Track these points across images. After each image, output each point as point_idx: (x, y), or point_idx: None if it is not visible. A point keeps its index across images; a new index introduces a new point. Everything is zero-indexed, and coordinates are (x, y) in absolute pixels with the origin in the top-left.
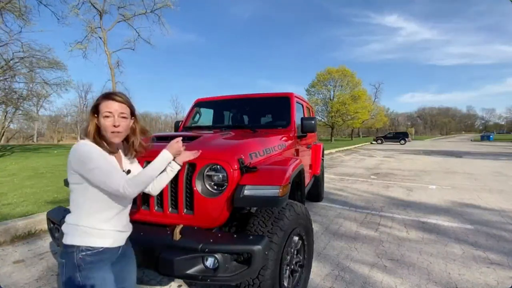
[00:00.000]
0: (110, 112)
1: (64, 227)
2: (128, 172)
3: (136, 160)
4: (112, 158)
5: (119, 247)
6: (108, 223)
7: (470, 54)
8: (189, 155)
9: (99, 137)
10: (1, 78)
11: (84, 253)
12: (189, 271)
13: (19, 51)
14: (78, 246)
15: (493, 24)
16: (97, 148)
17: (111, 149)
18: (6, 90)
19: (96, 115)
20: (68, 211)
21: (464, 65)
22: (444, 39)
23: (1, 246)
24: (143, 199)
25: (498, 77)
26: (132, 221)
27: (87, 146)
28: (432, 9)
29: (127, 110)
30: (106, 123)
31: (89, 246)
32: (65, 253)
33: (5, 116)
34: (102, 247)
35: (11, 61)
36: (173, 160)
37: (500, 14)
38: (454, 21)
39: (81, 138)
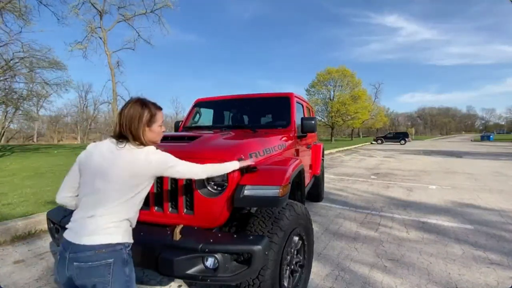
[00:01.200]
0: (162, 122)
1: (104, 228)
2: None
3: None
4: None
5: None
6: (134, 222)
7: (470, 54)
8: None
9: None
10: (1, 78)
11: (128, 249)
12: (189, 271)
13: (19, 51)
14: (123, 243)
15: (493, 24)
16: None
17: None
18: (6, 90)
19: (149, 125)
20: (69, 211)
21: (464, 65)
22: (444, 39)
23: (1, 246)
24: None
25: (498, 77)
26: None
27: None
28: (432, 9)
29: None
30: (161, 131)
31: (129, 242)
32: (113, 251)
33: (5, 116)
34: (131, 243)
35: (11, 61)
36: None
37: (500, 14)
38: (454, 21)
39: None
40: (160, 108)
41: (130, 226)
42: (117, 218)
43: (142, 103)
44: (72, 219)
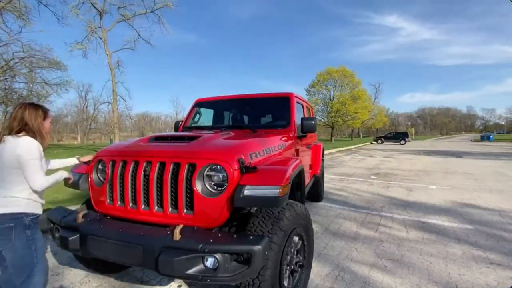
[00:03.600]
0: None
1: (11, 200)
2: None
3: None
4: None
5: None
6: (41, 197)
7: (470, 54)
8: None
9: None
10: (1, 78)
11: (32, 217)
12: (189, 271)
13: (19, 51)
14: (26, 213)
15: (493, 24)
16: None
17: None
18: (6, 90)
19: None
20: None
21: (464, 65)
22: (444, 39)
23: None
24: (143, 199)
25: (498, 77)
26: (133, 221)
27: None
28: (432, 9)
29: None
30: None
31: (34, 212)
32: (13, 218)
33: (5, 116)
34: (38, 214)
35: (11, 61)
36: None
37: (500, 14)
38: (454, 21)
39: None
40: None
41: (34, 200)
42: (11, 193)
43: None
44: None
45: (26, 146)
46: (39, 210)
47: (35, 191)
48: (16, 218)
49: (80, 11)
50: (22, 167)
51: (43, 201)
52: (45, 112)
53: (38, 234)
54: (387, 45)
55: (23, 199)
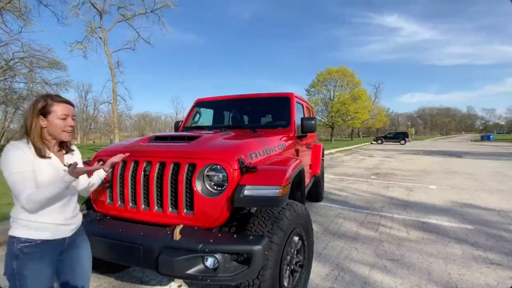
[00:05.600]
0: (66, 115)
1: (10, 220)
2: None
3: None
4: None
5: (64, 238)
6: (47, 217)
7: (470, 54)
8: (112, 161)
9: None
10: (1, 78)
11: (22, 244)
12: (189, 271)
13: (19, 51)
14: (19, 238)
15: (493, 24)
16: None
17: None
18: (6, 90)
19: (42, 116)
20: None
21: (464, 65)
22: (444, 39)
23: (1, 246)
24: (143, 199)
25: (498, 77)
26: (133, 221)
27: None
28: (432, 9)
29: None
30: (61, 124)
31: (28, 238)
32: (8, 243)
33: (5, 116)
34: (40, 240)
35: (11, 61)
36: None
37: (500, 14)
38: (454, 21)
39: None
40: (64, 100)
41: (37, 222)
42: (13, 212)
43: (42, 95)
44: None
45: (3, 156)
46: (41, 236)
47: (42, 212)
48: (9, 243)
49: (80, 11)
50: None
51: (61, 221)
52: (46, 103)
53: (32, 269)
54: (387, 45)
55: (19, 220)
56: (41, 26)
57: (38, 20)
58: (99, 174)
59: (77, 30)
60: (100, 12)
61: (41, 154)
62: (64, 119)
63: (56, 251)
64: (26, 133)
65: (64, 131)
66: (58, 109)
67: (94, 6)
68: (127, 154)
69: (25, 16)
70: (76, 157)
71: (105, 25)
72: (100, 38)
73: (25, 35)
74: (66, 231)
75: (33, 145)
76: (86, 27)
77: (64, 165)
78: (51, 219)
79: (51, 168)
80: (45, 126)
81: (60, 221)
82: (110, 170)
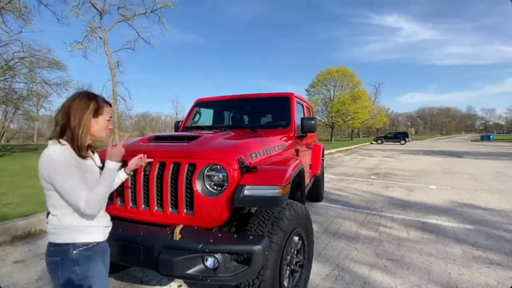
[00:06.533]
0: (110, 117)
1: (52, 228)
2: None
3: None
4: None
5: (105, 240)
6: (96, 221)
7: (470, 54)
8: (136, 163)
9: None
10: (1, 78)
11: (81, 249)
12: (189, 271)
13: (19, 51)
14: (74, 243)
15: (493, 24)
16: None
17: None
18: (6, 90)
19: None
20: None
21: (464, 65)
22: (444, 39)
23: (1, 246)
24: (143, 199)
25: (498, 77)
26: (133, 221)
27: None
28: (432, 9)
29: None
30: (106, 125)
31: (85, 242)
32: (59, 251)
33: (5, 116)
34: (95, 242)
35: (11, 61)
36: (123, 170)
37: (500, 14)
38: (454, 21)
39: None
40: (108, 103)
41: (88, 226)
42: (56, 221)
43: (90, 94)
44: None
45: (49, 162)
46: (95, 238)
47: (74, 215)
48: (62, 251)
49: (80, 11)
50: (55, 187)
51: (105, 224)
52: (99, 105)
53: (95, 269)
54: (387, 45)
55: (69, 227)
56: (41, 26)
57: (38, 20)
58: (120, 177)
59: (77, 30)
60: (100, 12)
61: (82, 155)
62: (108, 120)
63: (103, 252)
64: (66, 133)
65: (106, 132)
66: (106, 111)
67: (94, 6)
68: (145, 155)
69: (25, 16)
70: (96, 156)
71: (105, 25)
72: (100, 38)
73: (25, 35)
74: (107, 234)
75: (76, 145)
76: (86, 27)
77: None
78: (99, 222)
79: (93, 167)
80: (92, 126)
81: (105, 224)
82: (131, 174)
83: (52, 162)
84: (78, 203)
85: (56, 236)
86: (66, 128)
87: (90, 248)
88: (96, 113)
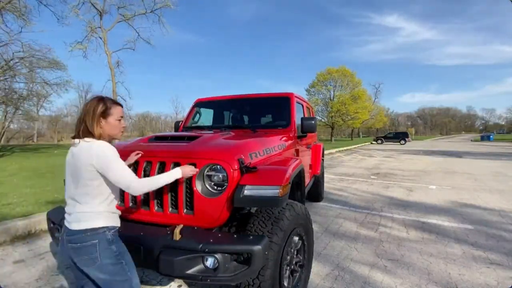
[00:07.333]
0: (122, 117)
1: (82, 216)
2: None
3: None
4: None
5: None
6: (116, 210)
7: (470, 54)
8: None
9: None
10: (1, 78)
11: (113, 231)
12: (189, 271)
13: (19, 51)
14: (107, 226)
15: (493, 24)
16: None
17: None
18: (6, 90)
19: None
20: None
21: (464, 65)
22: (444, 39)
23: (1, 246)
24: (143, 199)
25: (498, 77)
26: (133, 221)
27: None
28: (432, 9)
29: None
30: (117, 124)
31: (113, 225)
32: (96, 234)
33: (5, 116)
34: (118, 226)
35: (11, 61)
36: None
37: (500, 14)
38: (454, 21)
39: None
40: (118, 104)
41: (112, 212)
42: (91, 208)
43: (99, 98)
44: (66, 210)
45: (103, 155)
46: (118, 223)
47: (111, 202)
48: (98, 234)
49: (80, 11)
50: (106, 173)
51: (119, 212)
52: (106, 107)
53: (124, 247)
54: (387, 45)
55: (103, 212)
56: (41, 26)
57: (38, 20)
58: None
59: (77, 30)
60: (100, 12)
61: None
62: (119, 120)
63: None
64: (90, 134)
65: (120, 131)
66: (115, 111)
67: (94, 6)
68: (141, 153)
69: (25, 16)
70: None
71: (105, 25)
72: (100, 38)
73: (25, 35)
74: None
75: None
76: (86, 27)
77: None
78: (117, 211)
79: None
80: (104, 126)
81: (119, 212)
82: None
83: (105, 154)
84: (131, 184)
85: (89, 222)
86: (87, 129)
87: (116, 230)
88: (105, 114)
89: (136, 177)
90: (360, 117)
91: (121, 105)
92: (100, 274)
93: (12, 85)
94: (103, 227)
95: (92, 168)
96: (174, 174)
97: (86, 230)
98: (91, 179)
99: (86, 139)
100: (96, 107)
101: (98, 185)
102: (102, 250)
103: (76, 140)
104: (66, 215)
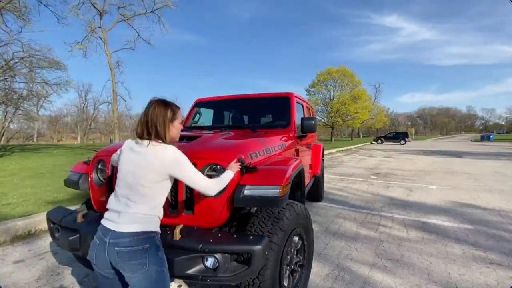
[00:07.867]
0: (182, 120)
1: (140, 218)
2: None
3: None
4: None
5: None
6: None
7: (470, 54)
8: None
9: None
10: (1, 78)
11: (158, 236)
12: (189, 271)
13: (19, 51)
14: (156, 231)
15: (493, 24)
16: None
17: None
18: (6, 90)
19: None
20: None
21: (464, 65)
22: (444, 39)
23: (1, 246)
24: None
25: (498, 77)
26: None
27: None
28: (432, 9)
29: None
30: (180, 128)
31: (158, 231)
32: (148, 238)
33: (5, 116)
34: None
35: (11, 61)
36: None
37: (500, 14)
38: (454, 21)
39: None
40: (179, 107)
41: (159, 217)
42: (146, 210)
43: (165, 103)
44: (110, 209)
45: (176, 160)
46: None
47: (161, 207)
48: (150, 238)
49: (80, 11)
50: (181, 177)
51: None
52: (174, 111)
53: (165, 255)
54: (387, 45)
55: (155, 216)
56: (41, 26)
57: (38, 20)
58: None
59: (77, 30)
60: (100, 12)
61: None
62: (181, 123)
63: None
64: (159, 136)
65: (179, 133)
66: (179, 115)
67: (94, 6)
68: None
69: (25, 16)
70: None
71: (105, 25)
72: (100, 38)
73: (25, 35)
74: None
75: None
76: (86, 27)
77: None
78: (161, 216)
79: None
80: (171, 130)
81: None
82: None
83: (177, 157)
84: (207, 186)
85: (145, 225)
86: (158, 134)
87: (159, 236)
88: (172, 119)
89: (207, 178)
90: (360, 117)
91: (179, 108)
92: (143, 281)
93: (12, 85)
94: (154, 231)
95: (163, 171)
96: (231, 174)
97: (138, 233)
98: (156, 181)
99: (154, 142)
100: (165, 114)
101: (158, 188)
102: (151, 256)
103: (145, 142)
104: (109, 214)
